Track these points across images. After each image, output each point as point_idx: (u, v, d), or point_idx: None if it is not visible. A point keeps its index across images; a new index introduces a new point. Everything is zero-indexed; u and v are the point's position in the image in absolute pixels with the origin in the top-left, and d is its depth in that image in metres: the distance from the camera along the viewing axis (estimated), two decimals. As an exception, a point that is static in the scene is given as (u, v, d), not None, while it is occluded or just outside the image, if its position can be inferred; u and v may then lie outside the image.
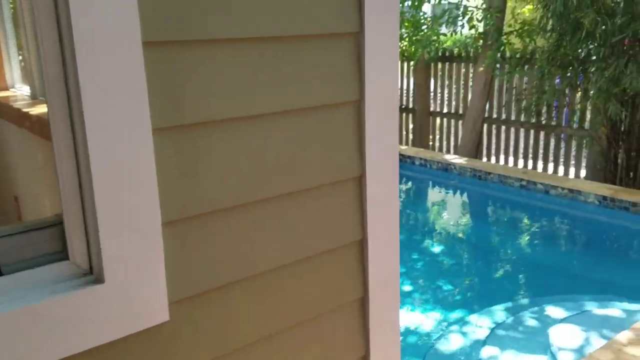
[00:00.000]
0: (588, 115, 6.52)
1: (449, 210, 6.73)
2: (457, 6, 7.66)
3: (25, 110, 2.47)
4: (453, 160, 7.12)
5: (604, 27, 5.53)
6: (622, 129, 6.10)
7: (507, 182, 6.43)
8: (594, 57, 5.86)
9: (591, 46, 5.89)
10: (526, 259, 5.20)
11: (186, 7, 0.98)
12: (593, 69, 5.87)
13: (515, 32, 7.38)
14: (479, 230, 5.99)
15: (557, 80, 6.57)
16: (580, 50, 6.00)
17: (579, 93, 6.46)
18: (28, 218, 2.79)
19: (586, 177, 6.55)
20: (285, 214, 1.18)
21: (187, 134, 1.02)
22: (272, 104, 1.12)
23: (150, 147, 0.96)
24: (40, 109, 2.41)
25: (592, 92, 5.93)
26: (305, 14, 1.13)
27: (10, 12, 3.07)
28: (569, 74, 6.32)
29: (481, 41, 7.51)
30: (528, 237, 5.67)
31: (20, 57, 3.04)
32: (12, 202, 2.97)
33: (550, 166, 6.93)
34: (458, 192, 6.96)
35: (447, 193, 7.05)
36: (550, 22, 6.08)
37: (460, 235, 5.88)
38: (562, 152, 6.88)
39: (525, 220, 6.06)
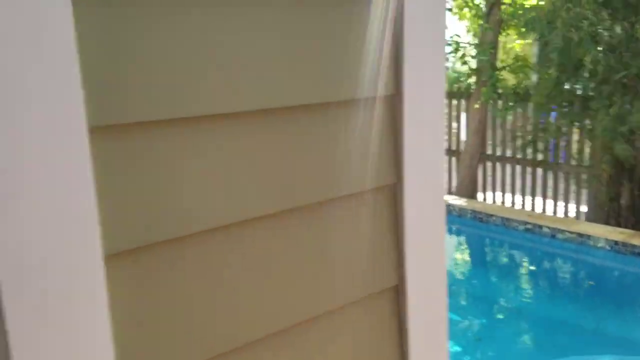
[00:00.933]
0: (586, 152, 6.35)
1: (449, 256, 6.32)
2: (449, 43, 7.49)
3: None
4: (452, 202, 6.76)
5: (606, 63, 5.35)
6: (626, 167, 5.86)
7: (510, 225, 6.07)
8: (594, 94, 5.65)
9: (593, 83, 5.71)
10: (532, 311, 4.82)
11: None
12: (597, 107, 5.66)
13: (508, 68, 7.26)
14: (481, 279, 5.66)
15: (553, 116, 6.39)
16: (582, 87, 5.82)
17: (580, 131, 6.27)
18: None
19: (587, 216, 6.36)
20: None
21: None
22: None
23: None
24: None
25: (596, 130, 5.69)
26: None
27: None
28: (565, 110, 6.13)
29: (474, 77, 7.33)
30: (534, 287, 5.29)
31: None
32: None
33: (549, 203, 6.64)
34: (458, 235, 6.61)
35: (447, 236, 6.64)
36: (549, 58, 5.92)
37: (460, 284, 5.45)
38: (561, 189, 6.65)
39: (531, 267, 5.70)
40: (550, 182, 6.67)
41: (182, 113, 0.83)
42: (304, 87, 0.95)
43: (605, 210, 6.10)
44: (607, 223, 5.93)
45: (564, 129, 6.35)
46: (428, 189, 1.09)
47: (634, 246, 5.14)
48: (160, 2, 0.79)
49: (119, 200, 0.79)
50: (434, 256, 1.13)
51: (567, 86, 6.03)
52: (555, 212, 6.53)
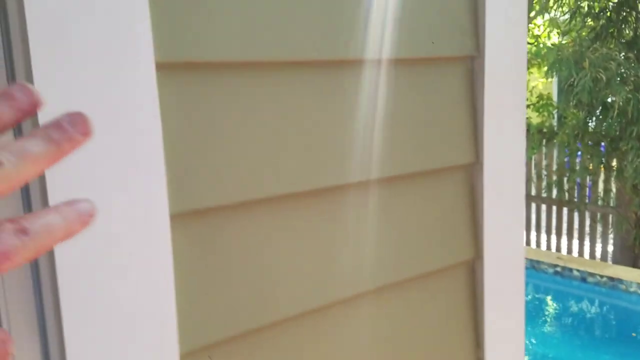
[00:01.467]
0: (612, 192, 6.20)
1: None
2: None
3: None
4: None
5: (636, 104, 5.31)
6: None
7: (540, 267, 5.89)
8: (622, 135, 5.58)
9: (622, 124, 5.65)
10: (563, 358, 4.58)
11: None
12: (626, 147, 5.59)
13: (532, 106, 7.18)
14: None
15: (578, 156, 6.29)
16: (608, 127, 5.76)
17: (607, 171, 6.17)
18: None
19: (614, 258, 6.20)
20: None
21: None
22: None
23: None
24: None
25: (626, 171, 5.60)
26: None
27: None
28: (592, 150, 6.05)
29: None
30: (564, 331, 5.07)
31: None
32: None
33: (575, 243, 6.47)
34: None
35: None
36: (577, 98, 5.87)
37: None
38: (586, 229, 6.51)
39: (563, 312, 5.48)
40: (575, 222, 6.53)
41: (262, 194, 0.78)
42: (405, 158, 0.91)
43: (635, 252, 5.96)
44: (634, 265, 5.76)
45: (590, 169, 6.26)
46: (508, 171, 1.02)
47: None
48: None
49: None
50: (512, 233, 1.05)
51: (592, 125, 5.99)
52: (581, 253, 6.37)
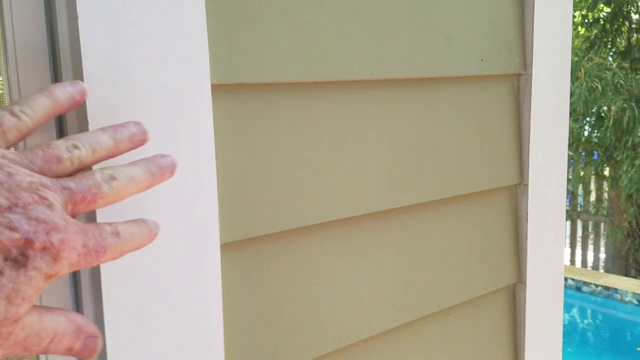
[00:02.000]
0: (605, 201, 6.25)
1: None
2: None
3: None
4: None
5: (631, 114, 5.34)
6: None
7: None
8: (617, 144, 5.61)
9: (617, 133, 5.68)
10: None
11: None
12: (621, 157, 5.62)
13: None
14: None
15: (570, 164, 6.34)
16: (601, 137, 5.79)
17: (600, 180, 6.21)
18: None
19: (606, 266, 6.22)
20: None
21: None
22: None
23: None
24: None
25: (621, 181, 5.63)
26: None
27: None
28: (585, 159, 6.08)
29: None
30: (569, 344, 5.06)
31: None
32: None
33: (567, 251, 6.52)
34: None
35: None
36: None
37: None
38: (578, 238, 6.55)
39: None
40: (567, 230, 6.56)
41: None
42: (450, 180, 0.88)
43: (627, 262, 6.00)
44: (626, 274, 5.80)
45: (583, 177, 6.30)
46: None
47: (663, 300, 4.96)
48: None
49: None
50: (554, 257, 1.01)
51: (586, 134, 6.02)
52: (572, 262, 6.40)
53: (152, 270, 0.59)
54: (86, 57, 0.53)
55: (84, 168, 0.45)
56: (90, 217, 0.56)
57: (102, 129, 0.47)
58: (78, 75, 0.54)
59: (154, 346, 0.60)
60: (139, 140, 0.48)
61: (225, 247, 0.65)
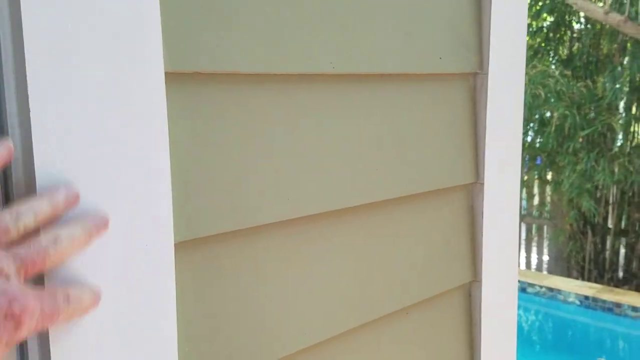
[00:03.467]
0: (547, 205, 6.45)
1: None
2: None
3: None
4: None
5: (572, 120, 5.53)
6: (591, 222, 5.98)
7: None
8: (559, 150, 5.79)
9: (559, 139, 5.86)
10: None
11: None
12: (563, 162, 5.80)
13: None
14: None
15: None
16: (544, 142, 5.97)
17: (543, 184, 6.41)
18: None
19: (549, 268, 6.41)
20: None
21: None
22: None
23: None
24: None
25: (563, 186, 5.81)
26: None
27: None
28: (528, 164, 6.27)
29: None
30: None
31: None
32: None
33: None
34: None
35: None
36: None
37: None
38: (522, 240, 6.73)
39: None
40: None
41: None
42: (405, 179, 0.88)
43: (570, 263, 6.20)
44: (569, 275, 5.99)
45: (526, 181, 6.48)
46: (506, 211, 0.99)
47: (604, 301, 5.12)
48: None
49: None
50: (509, 255, 1.02)
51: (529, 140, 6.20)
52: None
53: (103, 270, 0.56)
54: (29, 40, 0.49)
55: (29, 234, 0.49)
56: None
57: (40, 196, 0.50)
58: (20, 57, 0.50)
59: (104, 349, 0.56)
60: (73, 201, 0.52)
61: (180, 246, 0.62)
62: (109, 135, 0.55)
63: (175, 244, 0.61)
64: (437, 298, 0.95)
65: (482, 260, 0.98)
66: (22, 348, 0.54)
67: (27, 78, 0.50)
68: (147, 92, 0.57)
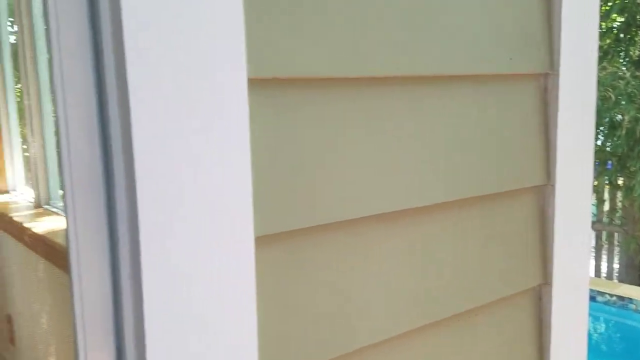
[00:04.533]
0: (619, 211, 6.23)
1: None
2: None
3: (25, 224, 2.12)
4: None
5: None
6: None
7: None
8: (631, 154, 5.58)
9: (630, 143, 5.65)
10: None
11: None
12: (634, 168, 5.59)
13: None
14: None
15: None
16: (614, 146, 5.77)
17: (614, 190, 6.19)
18: (21, 338, 2.45)
19: (619, 276, 6.22)
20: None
21: None
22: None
23: None
24: (44, 223, 2.09)
25: (635, 191, 5.59)
26: None
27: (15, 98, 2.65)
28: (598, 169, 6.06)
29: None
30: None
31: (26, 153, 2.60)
32: (4, 322, 2.60)
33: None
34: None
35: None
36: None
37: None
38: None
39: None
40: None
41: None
42: (475, 180, 0.89)
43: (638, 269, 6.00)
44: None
45: (596, 187, 6.28)
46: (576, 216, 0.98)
47: (679, 310, 4.90)
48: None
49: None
50: (580, 259, 1.00)
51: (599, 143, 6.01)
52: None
53: (190, 262, 0.59)
54: (129, 53, 0.53)
55: None
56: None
57: None
58: (121, 62, 0.54)
59: (190, 335, 0.60)
60: None
61: (260, 241, 0.65)
62: (197, 138, 0.58)
63: (255, 238, 0.64)
64: (506, 300, 0.95)
65: (552, 264, 0.97)
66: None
67: (129, 86, 0.54)
68: (231, 98, 0.60)
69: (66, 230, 0.61)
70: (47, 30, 0.57)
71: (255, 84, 0.63)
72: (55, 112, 0.59)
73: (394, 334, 0.80)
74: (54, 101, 0.58)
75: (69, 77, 0.58)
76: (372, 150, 0.75)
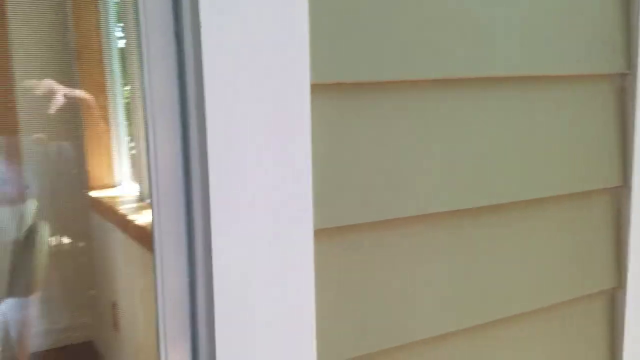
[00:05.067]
0: None
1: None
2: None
3: (129, 216, 2.30)
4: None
5: None
6: None
7: None
8: None
9: None
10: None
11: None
12: None
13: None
14: None
15: None
16: None
17: None
18: (125, 325, 2.62)
19: None
20: None
21: None
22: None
23: None
24: (145, 216, 2.25)
25: None
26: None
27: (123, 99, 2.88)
28: None
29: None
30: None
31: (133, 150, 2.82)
32: (110, 308, 2.79)
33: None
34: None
35: None
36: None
37: None
38: None
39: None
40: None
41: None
42: (550, 180, 0.89)
43: None
44: None
45: None
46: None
47: None
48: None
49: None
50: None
51: None
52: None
53: (255, 251, 0.65)
54: (206, 59, 0.60)
55: None
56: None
57: None
58: (199, 71, 0.61)
59: (253, 325, 0.66)
60: None
61: (319, 233, 0.71)
62: (262, 138, 0.65)
63: (314, 231, 0.70)
64: (578, 301, 0.95)
65: (627, 267, 0.95)
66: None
67: (205, 101, 0.61)
68: (295, 101, 0.66)
69: (152, 224, 0.69)
70: (139, 45, 0.65)
71: (318, 89, 0.69)
72: (144, 117, 0.67)
73: (455, 329, 0.83)
74: (144, 108, 0.67)
75: (157, 85, 0.66)
76: (439, 150, 0.78)
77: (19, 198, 2.75)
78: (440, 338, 0.82)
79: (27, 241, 1.47)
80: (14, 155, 2.93)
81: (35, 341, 2.97)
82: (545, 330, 0.93)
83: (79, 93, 2.86)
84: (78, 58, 2.94)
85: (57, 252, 3.00)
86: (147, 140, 0.67)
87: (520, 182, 0.86)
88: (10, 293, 1.83)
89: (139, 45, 0.65)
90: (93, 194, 2.85)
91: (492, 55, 0.80)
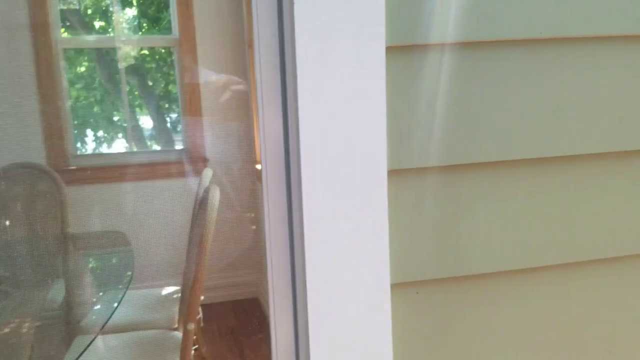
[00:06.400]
0: None
1: None
2: None
3: None
4: None
5: None
6: None
7: None
8: None
9: None
10: None
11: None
12: None
13: None
14: None
15: None
16: None
17: None
18: None
19: None
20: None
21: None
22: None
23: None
24: None
25: None
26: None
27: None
28: None
29: None
30: None
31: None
32: None
33: None
34: None
35: None
36: None
37: None
38: None
39: None
40: None
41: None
42: None
43: None
44: None
45: None
46: None
47: None
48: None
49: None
50: None
51: None
52: None
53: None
54: (299, 34, 0.71)
55: None
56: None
57: None
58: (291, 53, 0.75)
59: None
60: None
61: (391, 174, 0.77)
62: (345, 103, 0.73)
63: (388, 171, 0.78)
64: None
65: None
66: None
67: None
68: (370, 66, 0.73)
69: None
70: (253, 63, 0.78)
71: (392, 51, 0.73)
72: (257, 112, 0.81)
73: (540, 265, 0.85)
74: (257, 106, 0.85)
75: (266, 84, 0.79)
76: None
77: (202, 167, 3.24)
78: (527, 270, 0.86)
79: (202, 201, 1.80)
80: (199, 135, 3.37)
81: (206, 294, 3.35)
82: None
83: (244, 85, 3.20)
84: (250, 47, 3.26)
85: (228, 214, 3.37)
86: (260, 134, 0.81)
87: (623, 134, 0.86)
88: (189, 243, 2.18)
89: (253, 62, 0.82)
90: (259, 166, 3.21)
91: (608, 14, 0.81)
